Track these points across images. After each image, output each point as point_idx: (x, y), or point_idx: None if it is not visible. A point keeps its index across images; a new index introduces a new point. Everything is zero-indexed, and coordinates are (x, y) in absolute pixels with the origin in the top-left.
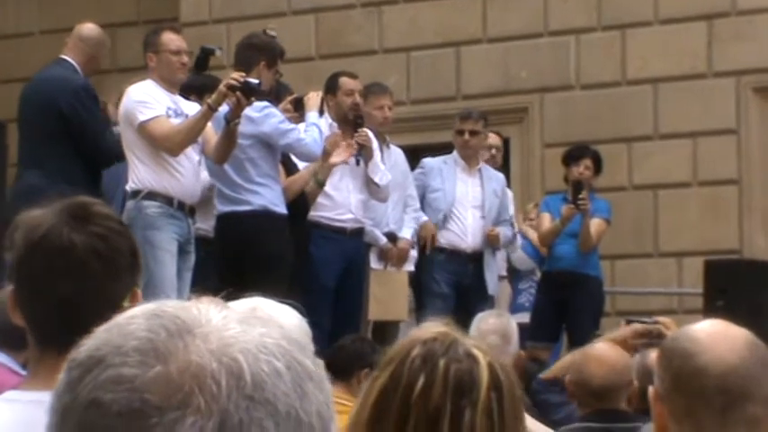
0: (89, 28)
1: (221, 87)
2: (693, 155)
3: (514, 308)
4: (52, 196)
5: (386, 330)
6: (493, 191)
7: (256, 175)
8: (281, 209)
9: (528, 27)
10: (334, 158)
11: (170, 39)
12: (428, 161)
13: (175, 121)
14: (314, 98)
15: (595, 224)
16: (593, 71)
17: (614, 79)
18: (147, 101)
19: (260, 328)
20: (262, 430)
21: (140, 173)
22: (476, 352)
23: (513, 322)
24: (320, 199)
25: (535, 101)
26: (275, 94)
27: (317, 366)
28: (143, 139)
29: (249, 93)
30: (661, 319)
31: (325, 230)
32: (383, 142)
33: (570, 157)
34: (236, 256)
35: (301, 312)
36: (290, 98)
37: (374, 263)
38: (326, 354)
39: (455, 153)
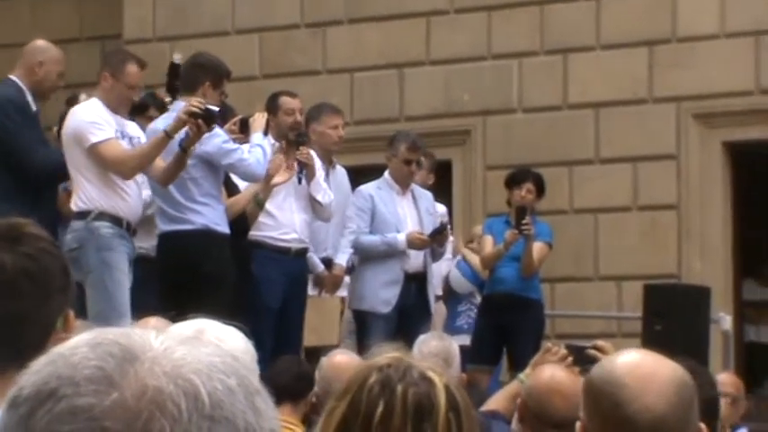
0: (34, 45)
1: (181, 114)
2: (634, 179)
3: (452, 330)
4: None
5: (319, 353)
6: (426, 209)
7: (198, 194)
8: (224, 228)
9: (471, 50)
10: (276, 179)
11: (134, 72)
12: (365, 189)
13: (123, 144)
14: (259, 119)
15: (537, 248)
16: (536, 95)
17: (556, 103)
18: (98, 122)
19: (204, 349)
20: None
21: (88, 192)
22: (431, 374)
23: (454, 345)
24: (263, 218)
25: (478, 123)
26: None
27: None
28: (92, 160)
29: (209, 120)
30: (599, 342)
31: (268, 250)
32: (329, 163)
33: (513, 180)
34: (178, 275)
35: (246, 334)
36: (235, 119)
37: (309, 289)
38: (270, 375)
39: (387, 176)
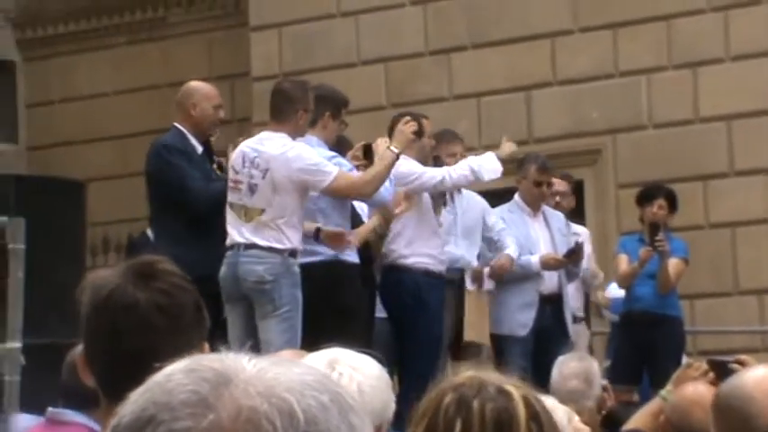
0: (186, 87)
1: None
2: None
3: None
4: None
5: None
6: (558, 230)
7: (327, 225)
8: (353, 258)
9: (598, 68)
10: (397, 210)
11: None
12: (497, 211)
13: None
14: (382, 144)
15: (673, 264)
16: (665, 110)
17: (687, 117)
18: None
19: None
20: None
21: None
22: (508, 387)
23: (595, 365)
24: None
25: (607, 142)
26: (336, 146)
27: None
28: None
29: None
30: (742, 357)
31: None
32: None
33: (644, 197)
34: (312, 307)
35: (381, 362)
36: (359, 145)
37: (468, 284)
38: None
39: (517, 198)
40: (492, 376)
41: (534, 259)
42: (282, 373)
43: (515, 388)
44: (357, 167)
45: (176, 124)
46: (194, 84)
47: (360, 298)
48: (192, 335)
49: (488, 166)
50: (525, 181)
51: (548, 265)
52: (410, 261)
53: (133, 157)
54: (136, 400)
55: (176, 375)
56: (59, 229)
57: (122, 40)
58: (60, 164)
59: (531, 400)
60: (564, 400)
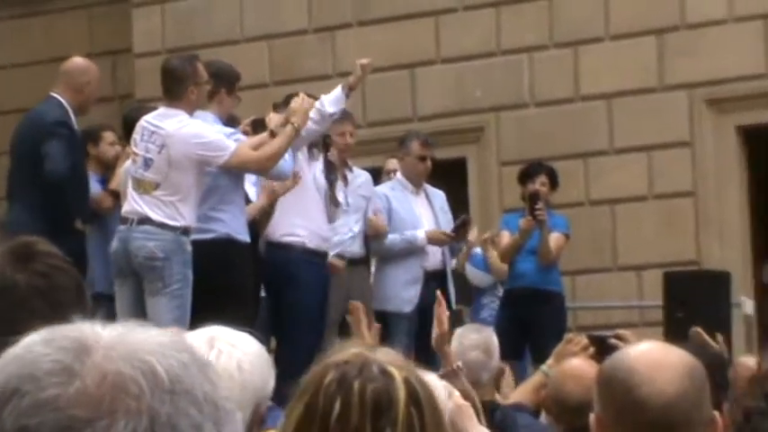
0: (76, 64)
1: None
2: (648, 168)
3: (477, 323)
4: (34, 232)
5: None
6: (440, 207)
7: (221, 202)
8: (245, 237)
9: (481, 46)
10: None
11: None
12: (380, 189)
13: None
14: (275, 118)
15: (554, 238)
16: (547, 88)
17: (568, 96)
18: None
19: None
20: (189, 419)
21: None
22: (391, 369)
23: (494, 336)
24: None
25: (491, 120)
26: (227, 123)
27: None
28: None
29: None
30: (621, 332)
31: (305, 254)
32: (344, 166)
33: (525, 175)
34: (199, 285)
35: (259, 340)
36: (248, 120)
37: None
38: None
39: (399, 176)
40: (377, 355)
41: (420, 234)
42: (139, 337)
43: (398, 369)
44: None
45: (57, 96)
46: (85, 62)
47: (248, 277)
48: (74, 317)
49: (330, 97)
50: (408, 157)
51: (434, 240)
52: (285, 237)
53: None
54: None
55: (36, 347)
56: None
57: (3, 14)
58: None
59: (414, 382)
60: (465, 371)
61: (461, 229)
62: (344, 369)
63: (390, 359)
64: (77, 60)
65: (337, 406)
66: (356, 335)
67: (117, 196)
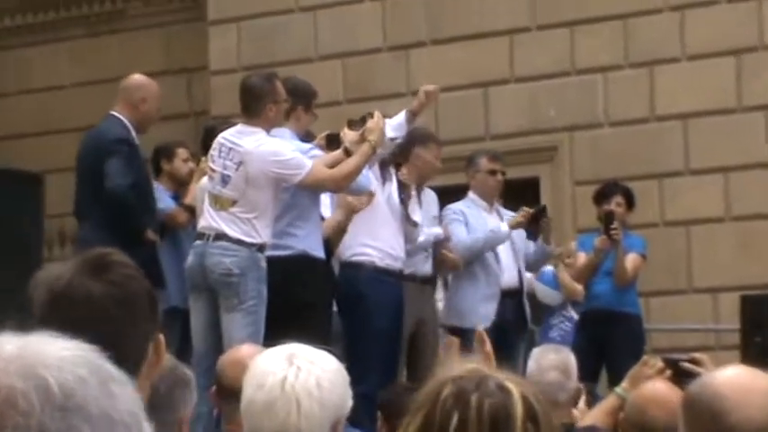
0: (134, 81)
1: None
2: (725, 190)
3: (547, 342)
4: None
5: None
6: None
7: (296, 219)
8: (320, 253)
9: (555, 66)
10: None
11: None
12: (455, 206)
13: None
14: (350, 134)
15: (631, 259)
16: (622, 108)
17: (643, 116)
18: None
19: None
20: None
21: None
22: (508, 385)
23: (572, 357)
24: (367, 241)
25: (564, 139)
26: (302, 139)
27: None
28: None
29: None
30: (696, 355)
31: (376, 273)
32: (420, 185)
33: (601, 195)
34: (273, 301)
35: (338, 358)
36: (323, 134)
37: None
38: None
39: (472, 195)
40: (493, 371)
41: (504, 227)
42: (41, 351)
43: (515, 385)
44: None
45: (117, 114)
46: (144, 78)
47: (322, 294)
48: (147, 326)
49: (393, 122)
50: (479, 174)
51: (514, 224)
52: (355, 257)
53: None
54: None
55: None
56: (17, 221)
57: (80, 32)
58: (18, 156)
59: (531, 399)
60: (542, 392)
61: (542, 213)
62: (462, 384)
63: (507, 375)
64: (134, 77)
65: (455, 420)
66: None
67: (192, 211)
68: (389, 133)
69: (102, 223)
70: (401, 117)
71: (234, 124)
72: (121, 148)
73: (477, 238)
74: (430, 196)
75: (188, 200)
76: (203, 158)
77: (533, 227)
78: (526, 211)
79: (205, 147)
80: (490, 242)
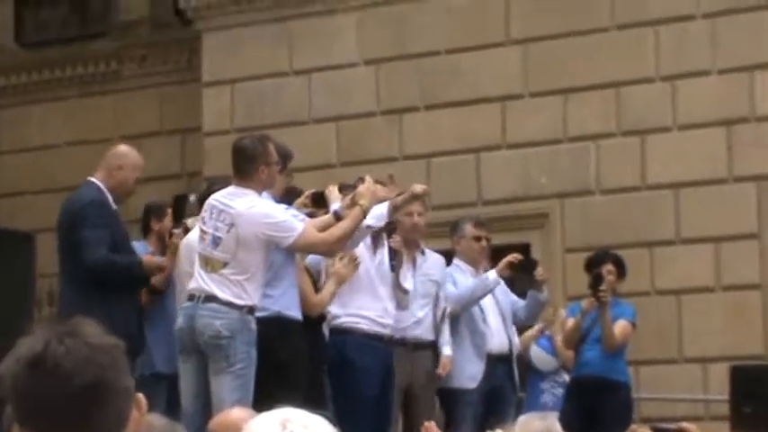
0: (116, 149)
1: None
2: (716, 259)
3: (538, 408)
4: (86, 310)
5: None
6: (501, 290)
7: (273, 278)
8: (296, 314)
9: (547, 132)
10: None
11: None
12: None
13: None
14: (335, 191)
15: (620, 326)
16: (613, 176)
17: (634, 184)
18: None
19: None
20: None
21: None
22: None
23: (557, 425)
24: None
25: (556, 206)
26: (286, 196)
27: None
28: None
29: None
30: (685, 425)
31: (364, 337)
32: (416, 249)
33: (592, 263)
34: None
35: (333, 423)
36: (307, 193)
37: None
38: None
39: (457, 261)
40: None
41: (492, 274)
42: None
43: None
44: (307, 215)
45: (94, 180)
46: (125, 148)
47: (297, 353)
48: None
49: (374, 211)
50: (464, 240)
51: (503, 267)
52: (344, 322)
53: None
54: None
55: None
56: (7, 281)
57: (75, 92)
58: (11, 214)
59: None
60: None
61: (529, 263)
62: None
63: None
64: (120, 146)
65: None
66: None
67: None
68: (368, 221)
69: (81, 287)
70: (383, 208)
71: (214, 188)
72: (93, 211)
73: (465, 287)
74: (432, 259)
75: (168, 257)
76: (175, 231)
77: (521, 274)
78: (515, 256)
79: (176, 217)
80: (479, 290)
